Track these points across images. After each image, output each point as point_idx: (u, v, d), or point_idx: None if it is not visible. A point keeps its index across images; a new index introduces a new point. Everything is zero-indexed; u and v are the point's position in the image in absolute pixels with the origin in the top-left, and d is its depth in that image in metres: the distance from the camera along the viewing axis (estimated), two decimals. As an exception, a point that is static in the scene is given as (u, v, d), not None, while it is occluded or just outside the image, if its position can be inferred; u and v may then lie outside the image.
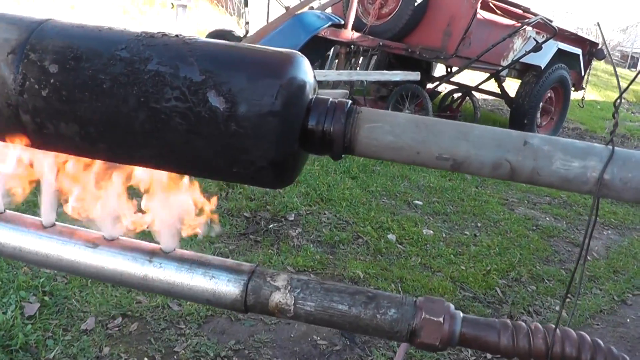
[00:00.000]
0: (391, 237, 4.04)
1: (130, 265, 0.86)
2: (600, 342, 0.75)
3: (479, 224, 4.55)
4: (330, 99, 0.74)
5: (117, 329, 2.57)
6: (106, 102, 0.72)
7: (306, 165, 5.18)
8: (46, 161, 0.86)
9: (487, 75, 7.51)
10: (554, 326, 0.73)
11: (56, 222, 0.92)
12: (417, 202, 4.87)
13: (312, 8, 8.08)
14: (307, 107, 0.75)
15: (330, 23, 7.47)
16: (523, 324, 0.76)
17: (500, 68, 7.19)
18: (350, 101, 0.75)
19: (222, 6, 11.82)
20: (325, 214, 4.29)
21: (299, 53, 0.76)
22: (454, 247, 3.98)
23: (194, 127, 0.71)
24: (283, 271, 0.84)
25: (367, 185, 5.04)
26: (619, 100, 0.68)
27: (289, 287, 0.80)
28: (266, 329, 2.76)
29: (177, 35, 0.74)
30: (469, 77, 10.62)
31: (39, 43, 0.75)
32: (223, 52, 0.74)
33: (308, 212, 4.25)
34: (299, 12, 7.57)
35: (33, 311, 2.55)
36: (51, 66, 0.73)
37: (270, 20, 8.20)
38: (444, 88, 8.42)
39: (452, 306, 0.78)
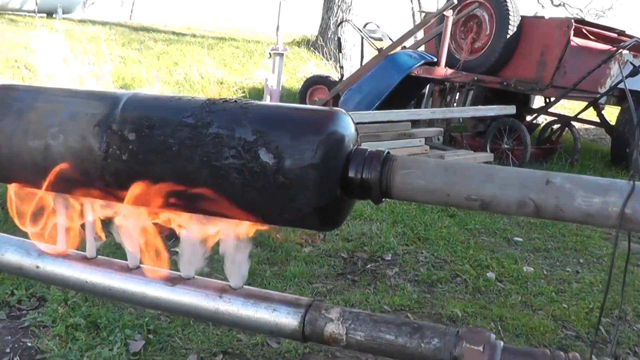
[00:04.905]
0: (490, 275, 3.97)
1: (204, 301, 0.98)
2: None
3: (581, 260, 4.37)
4: (369, 150, 0.83)
5: (218, 365, 2.69)
6: (175, 163, 0.85)
7: (402, 206, 5.20)
8: (129, 213, 1.01)
9: (586, 104, 7.26)
10: (594, 358, 0.76)
11: (140, 265, 1.06)
12: (517, 238, 4.76)
13: (404, 48, 8.20)
14: (346, 157, 0.84)
15: (423, 61, 7.55)
16: (562, 353, 0.80)
17: (598, 95, 6.93)
18: (386, 150, 0.83)
19: (318, 52, 12.20)
20: (422, 253, 4.29)
21: (342, 110, 0.85)
22: (556, 285, 3.85)
23: (248, 181, 0.82)
24: (337, 305, 0.92)
25: (465, 223, 4.98)
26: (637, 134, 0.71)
27: (342, 318, 0.89)
28: (363, 367, 2.79)
29: (235, 101, 0.86)
30: (570, 107, 10.27)
31: (120, 115, 0.90)
32: (272, 113, 0.86)
33: (405, 252, 4.26)
34: (392, 52, 7.70)
35: (138, 348, 2.71)
36: (129, 134, 0.87)
37: (364, 63, 8.40)
38: (544, 120, 8.21)
39: (493, 336, 0.83)
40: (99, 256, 1.09)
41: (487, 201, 0.74)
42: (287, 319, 0.93)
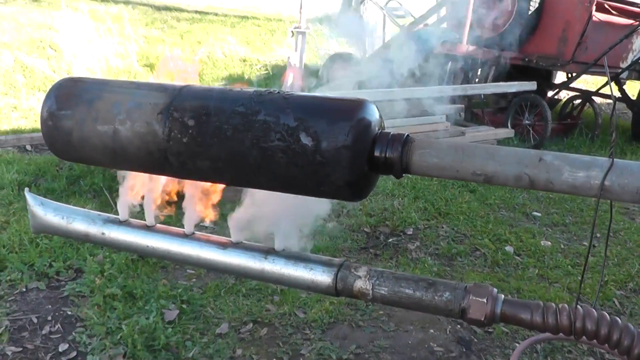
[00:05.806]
0: (509, 248, 4.09)
1: (251, 261, 1.16)
2: (618, 319, 0.91)
3: (598, 235, 4.47)
4: (391, 133, 0.98)
5: (249, 333, 2.87)
6: (229, 145, 1.01)
7: (424, 182, 5.30)
8: (187, 187, 1.18)
9: (607, 79, 7.27)
10: (579, 306, 0.90)
11: (195, 231, 1.23)
12: (535, 213, 4.87)
13: (426, 25, 8.23)
14: (373, 139, 1.00)
15: (445, 39, 7.58)
16: (553, 304, 0.94)
17: (620, 70, 6.94)
18: (406, 134, 0.98)
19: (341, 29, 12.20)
20: (443, 227, 4.42)
21: (368, 100, 1.00)
22: (572, 258, 3.97)
23: (291, 159, 0.98)
24: (364, 264, 1.08)
25: (485, 198, 5.10)
26: (614, 118, 0.84)
27: (368, 276, 1.05)
28: (385, 335, 2.95)
29: (278, 92, 1.02)
30: (592, 81, 10.21)
31: (180, 104, 1.06)
32: (311, 102, 1.01)
33: (426, 227, 4.39)
34: (414, 30, 7.75)
35: (173, 317, 2.90)
36: (189, 121, 1.04)
37: (386, 41, 8.46)
38: (565, 95, 8.22)
39: (495, 290, 0.99)
40: (158, 224, 1.27)
41: (490, 176, 0.88)
42: (322, 276, 1.10)
